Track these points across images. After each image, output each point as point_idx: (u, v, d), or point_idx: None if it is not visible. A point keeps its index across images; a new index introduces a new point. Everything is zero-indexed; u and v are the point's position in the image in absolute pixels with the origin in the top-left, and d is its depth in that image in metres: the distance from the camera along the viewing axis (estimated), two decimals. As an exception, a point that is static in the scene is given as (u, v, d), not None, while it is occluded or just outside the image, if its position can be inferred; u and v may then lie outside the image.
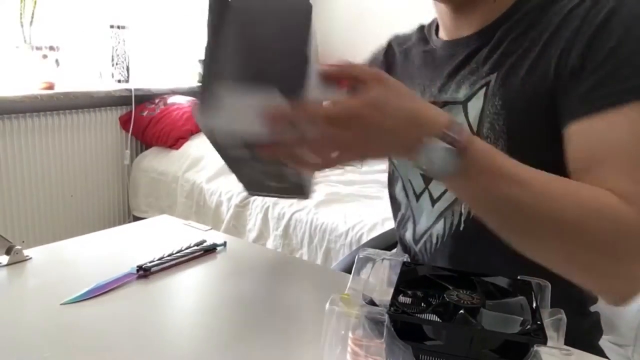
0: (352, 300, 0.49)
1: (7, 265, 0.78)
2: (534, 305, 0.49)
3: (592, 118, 0.62)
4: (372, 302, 0.50)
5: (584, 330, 0.79)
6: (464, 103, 0.75)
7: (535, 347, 0.43)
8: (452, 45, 0.80)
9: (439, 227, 0.79)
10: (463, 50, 0.78)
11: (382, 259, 0.55)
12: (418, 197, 0.83)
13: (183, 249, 0.84)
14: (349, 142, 0.54)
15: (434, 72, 0.82)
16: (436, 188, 0.79)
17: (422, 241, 0.82)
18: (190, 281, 0.77)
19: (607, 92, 0.62)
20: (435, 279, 0.52)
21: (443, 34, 0.84)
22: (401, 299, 0.49)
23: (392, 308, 0.46)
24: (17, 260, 0.79)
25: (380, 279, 0.56)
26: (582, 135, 0.63)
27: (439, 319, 0.46)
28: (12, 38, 2.35)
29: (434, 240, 0.80)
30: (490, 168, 0.57)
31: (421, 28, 0.92)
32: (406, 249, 0.88)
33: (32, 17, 2.35)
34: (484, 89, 0.73)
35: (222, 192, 2.34)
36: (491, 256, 0.68)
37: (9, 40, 2.35)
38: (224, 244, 0.89)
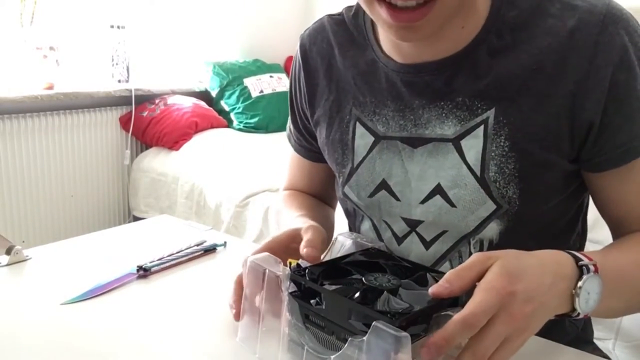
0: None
1: (7, 265, 0.78)
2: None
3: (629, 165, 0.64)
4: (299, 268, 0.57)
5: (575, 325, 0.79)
6: (455, 141, 0.67)
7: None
8: (416, 71, 0.69)
9: (444, 268, 0.72)
10: (435, 78, 0.68)
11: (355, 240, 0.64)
12: (401, 240, 0.75)
13: (183, 249, 0.84)
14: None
15: (396, 101, 0.71)
16: (427, 230, 0.72)
17: None
18: (190, 281, 0.77)
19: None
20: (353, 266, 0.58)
21: (394, 54, 0.71)
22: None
23: (294, 272, 0.55)
24: (17, 260, 0.79)
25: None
26: (619, 181, 0.65)
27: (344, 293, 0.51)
28: (12, 38, 2.35)
29: None
30: (614, 269, 0.58)
31: (341, 21, 0.79)
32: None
33: (32, 17, 2.35)
34: (481, 127, 0.66)
35: (222, 192, 2.33)
36: None
37: (9, 40, 2.35)
38: (224, 244, 0.89)
